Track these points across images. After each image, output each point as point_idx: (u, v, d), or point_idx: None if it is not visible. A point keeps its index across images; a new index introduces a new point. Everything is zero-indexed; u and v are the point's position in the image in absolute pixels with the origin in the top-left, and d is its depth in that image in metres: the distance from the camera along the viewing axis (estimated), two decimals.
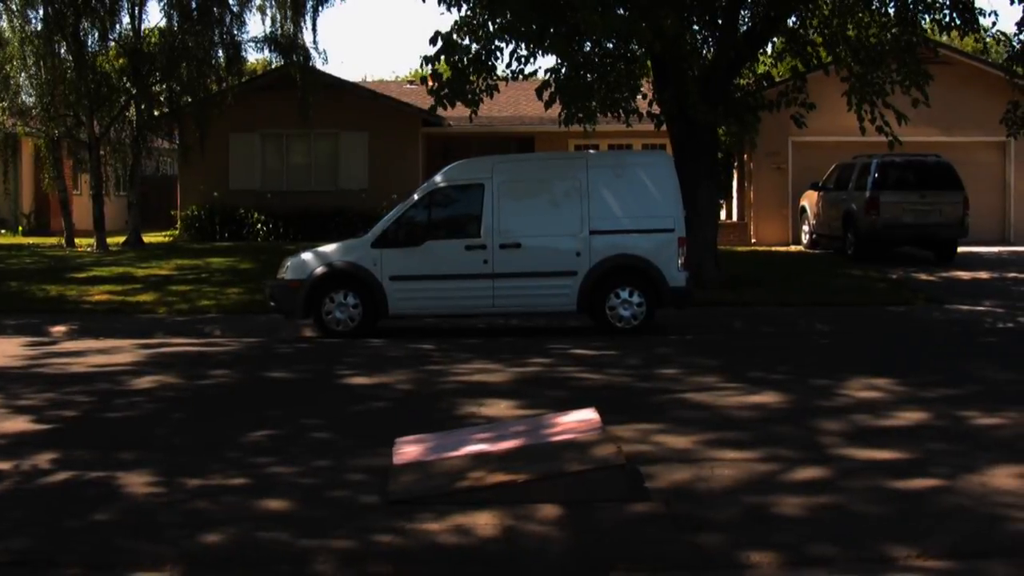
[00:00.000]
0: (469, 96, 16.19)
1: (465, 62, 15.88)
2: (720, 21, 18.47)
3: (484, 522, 6.50)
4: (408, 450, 7.96)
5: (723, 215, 31.39)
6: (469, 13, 16.17)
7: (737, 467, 7.62)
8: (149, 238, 28.68)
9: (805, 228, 26.80)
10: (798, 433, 8.63)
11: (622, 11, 14.91)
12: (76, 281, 19.76)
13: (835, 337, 14.87)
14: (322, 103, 27.08)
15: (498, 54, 16.97)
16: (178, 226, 29.78)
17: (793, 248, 27.09)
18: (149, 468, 7.76)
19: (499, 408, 9.62)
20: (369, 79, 52.96)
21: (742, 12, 19.15)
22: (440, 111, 17.32)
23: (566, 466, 7.15)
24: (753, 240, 28.26)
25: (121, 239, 27.48)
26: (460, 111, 25.69)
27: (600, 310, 14.52)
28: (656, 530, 6.42)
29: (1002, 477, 7.32)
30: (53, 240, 28.98)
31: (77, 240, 27.34)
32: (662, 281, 14.44)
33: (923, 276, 20.71)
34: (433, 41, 15.45)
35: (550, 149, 28.42)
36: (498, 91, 18.25)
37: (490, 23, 15.84)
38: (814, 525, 6.45)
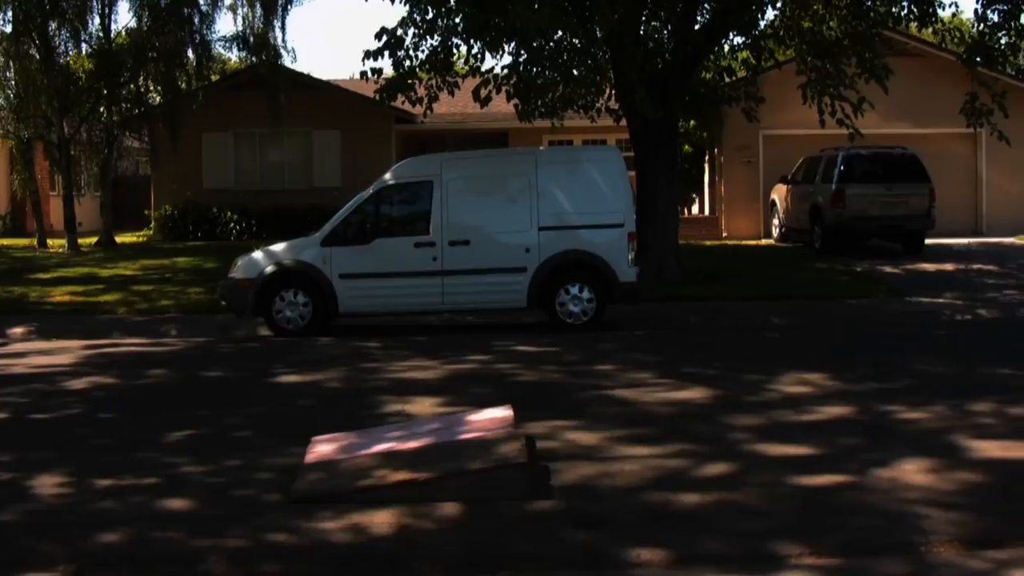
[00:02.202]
0: (412, 93, 16.16)
1: (412, 59, 15.87)
2: (678, 9, 18.41)
3: (381, 521, 6.49)
4: (321, 449, 7.96)
5: (695, 209, 31.43)
6: (414, 9, 16.11)
7: (644, 463, 7.60)
8: (123, 238, 28.66)
9: (775, 222, 26.79)
10: (713, 429, 8.61)
11: (568, 7, 14.86)
12: (40, 282, 19.77)
13: (785, 331, 14.87)
14: (295, 102, 27.02)
15: (454, 51, 17.00)
16: (152, 226, 29.75)
17: (763, 242, 27.09)
18: (63, 469, 7.77)
19: (423, 406, 9.61)
20: (357, 77, 52.84)
21: (704, 6, 19.08)
22: (390, 103, 17.29)
23: (469, 464, 7.15)
24: (724, 234, 28.21)
25: (95, 240, 27.48)
26: (439, 109, 25.77)
27: (550, 306, 14.52)
28: (551, 528, 6.39)
29: (912, 472, 7.27)
30: (27, 241, 28.95)
31: (50, 241, 27.30)
32: (612, 276, 14.43)
33: (888, 269, 20.71)
34: (379, 36, 15.46)
35: (524, 145, 28.32)
36: (458, 88, 18.25)
37: (438, 19, 15.81)
38: (710, 522, 6.42)
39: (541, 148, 18.40)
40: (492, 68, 18.10)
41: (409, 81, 16.37)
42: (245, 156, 29.79)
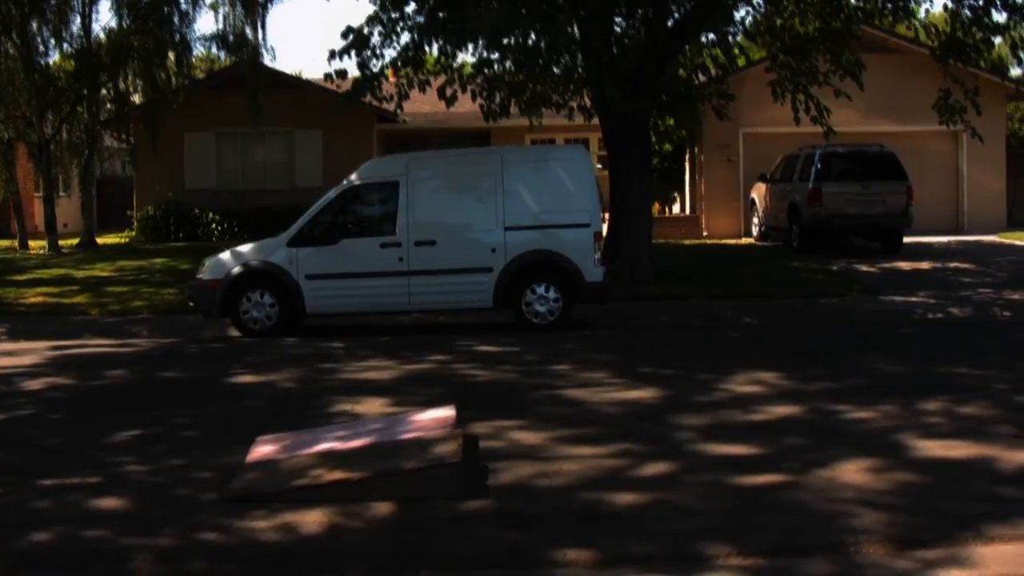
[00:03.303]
0: (379, 91, 16.15)
1: (380, 57, 15.88)
2: (648, 11, 18.40)
3: (312, 520, 6.50)
4: (264, 448, 7.97)
5: (676, 208, 31.40)
6: (380, 9, 16.09)
7: (584, 463, 7.58)
8: (106, 239, 28.68)
9: (755, 220, 26.80)
10: (659, 429, 8.59)
11: (528, 6, 14.82)
12: (16, 283, 19.75)
13: (751, 330, 14.87)
14: (276, 101, 27.04)
15: (425, 49, 16.99)
16: (134, 227, 29.74)
17: (743, 241, 27.09)
18: (6, 468, 7.79)
19: (373, 406, 9.60)
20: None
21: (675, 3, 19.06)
22: (357, 104, 17.29)
23: (404, 464, 7.15)
24: (705, 233, 28.19)
25: (76, 241, 27.50)
26: (415, 108, 25.75)
27: (517, 306, 14.50)
28: (482, 528, 6.39)
29: (851, 472, 7.24)
30: (8, 243, 28.93)
31: (31, 242, 27.32)
32: (578, 276, 14.41)
33: (864, 267, 20.72)
34: (344, 35, 15.43)
35: (507, 144, 28.35)
36: (430, 86, 18.22)
37: (401, 19, 15.80)
38: (642, 522, 6.41)
39: (508, 147, 18.38)
40: (462, 66, 18.09)
41: (376, 82, 16.30)
42: (227, 156, 29.79)
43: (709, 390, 10.07)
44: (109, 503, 6.98)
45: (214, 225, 28.33)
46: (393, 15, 15.88)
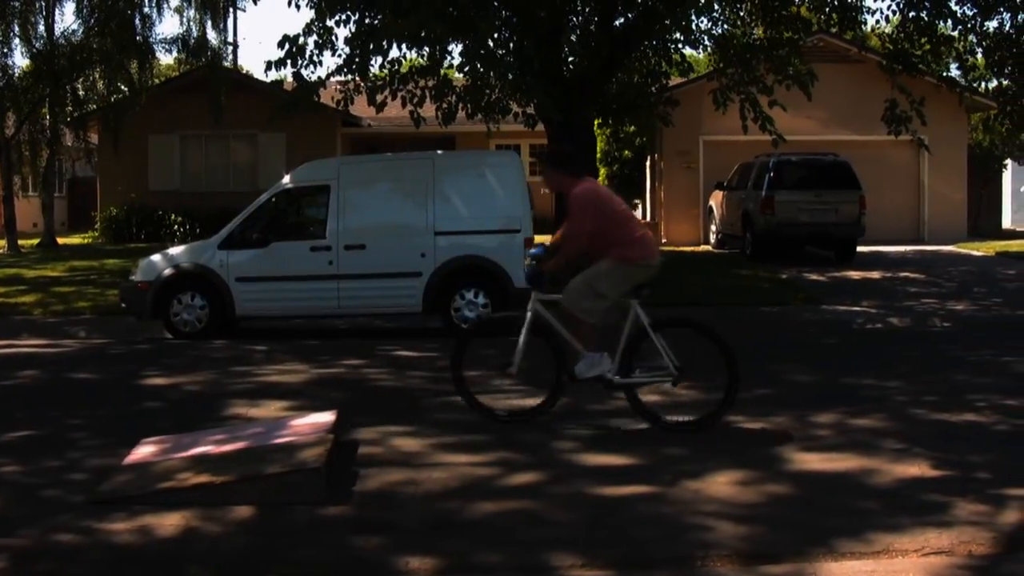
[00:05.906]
0: (318, 98, 16.19)
1: (316, 64, 15.89)
2: (594, 17, 18.45)
3: (170, 523, 6.51)
4: (143, 450, 7.99)
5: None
6: (316, 17, 16.09)
7: (454, 471, 7.59)
8: (69, 240, 28.71)
9: (713, 228, 26.87)
10: (543, 438, 8.58)
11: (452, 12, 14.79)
12: None
13: (678, 338, 14.79)
14: (240, 104, 27.07)
15: (372, 58, 16.98)
16: (98, 228, 29.76)
17: (701, 248, 27.14)
18: None
19: (269, 410, 9.63)
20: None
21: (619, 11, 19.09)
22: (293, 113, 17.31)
23: (268, 468, 7.18)
24: (664, 240, 28.19)
25: (37, 241, 27.53)
26: (381, 111, 25.73)
27: (446, 311, 14.53)
28: (334, 534, 6.40)
29: (720, 484, 7.21)
30: None
31: None
32: (507, 282, 14.43)
33: (813, 276, 20.74)
34: (281, 45, 15.43)
35: (471, 148, 28.43)
36: (377, 89, 18.20)
37: (333, 28, 15.84)
38: (495, 531, 6.41)
39: (440, 153, 18.41)
40: (395, 70, 18.03)
41: (315, 90, 16.27)
42: (191, 158, 29.88)
43: (606, 399, 10.01)
44: None
45: (176, 226, 28.34)
46: (328, 23, 15.86)
